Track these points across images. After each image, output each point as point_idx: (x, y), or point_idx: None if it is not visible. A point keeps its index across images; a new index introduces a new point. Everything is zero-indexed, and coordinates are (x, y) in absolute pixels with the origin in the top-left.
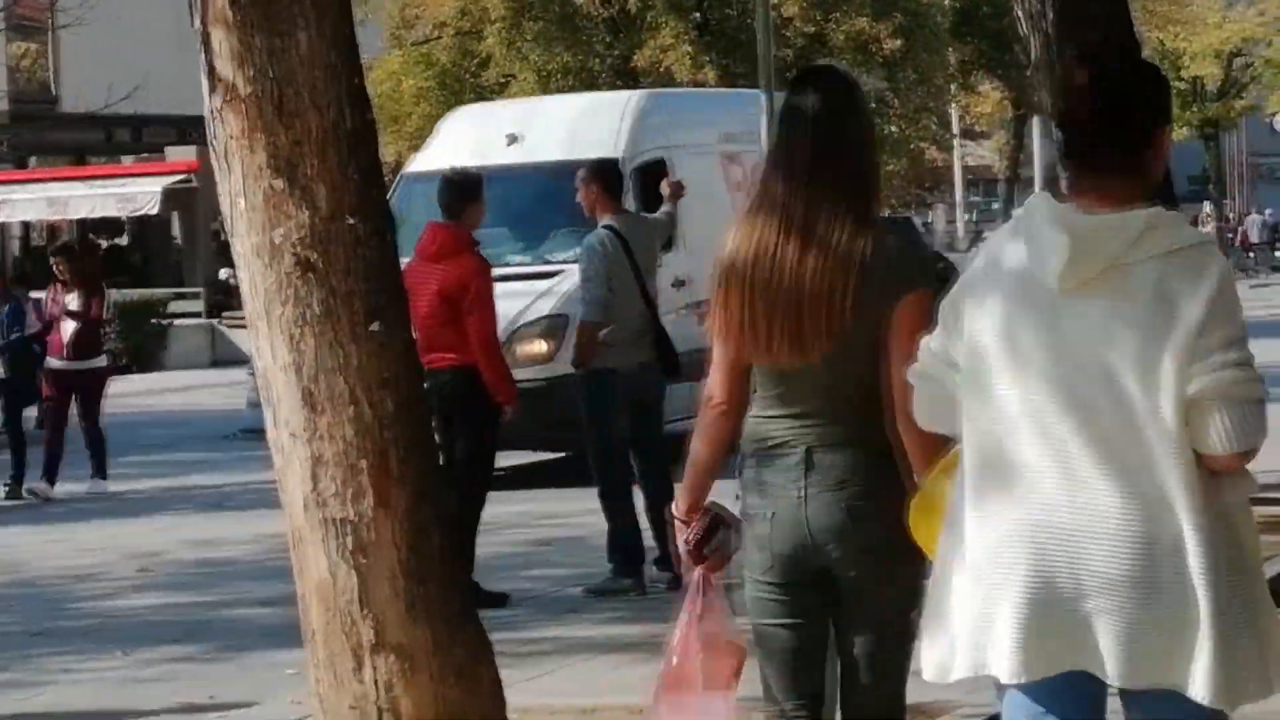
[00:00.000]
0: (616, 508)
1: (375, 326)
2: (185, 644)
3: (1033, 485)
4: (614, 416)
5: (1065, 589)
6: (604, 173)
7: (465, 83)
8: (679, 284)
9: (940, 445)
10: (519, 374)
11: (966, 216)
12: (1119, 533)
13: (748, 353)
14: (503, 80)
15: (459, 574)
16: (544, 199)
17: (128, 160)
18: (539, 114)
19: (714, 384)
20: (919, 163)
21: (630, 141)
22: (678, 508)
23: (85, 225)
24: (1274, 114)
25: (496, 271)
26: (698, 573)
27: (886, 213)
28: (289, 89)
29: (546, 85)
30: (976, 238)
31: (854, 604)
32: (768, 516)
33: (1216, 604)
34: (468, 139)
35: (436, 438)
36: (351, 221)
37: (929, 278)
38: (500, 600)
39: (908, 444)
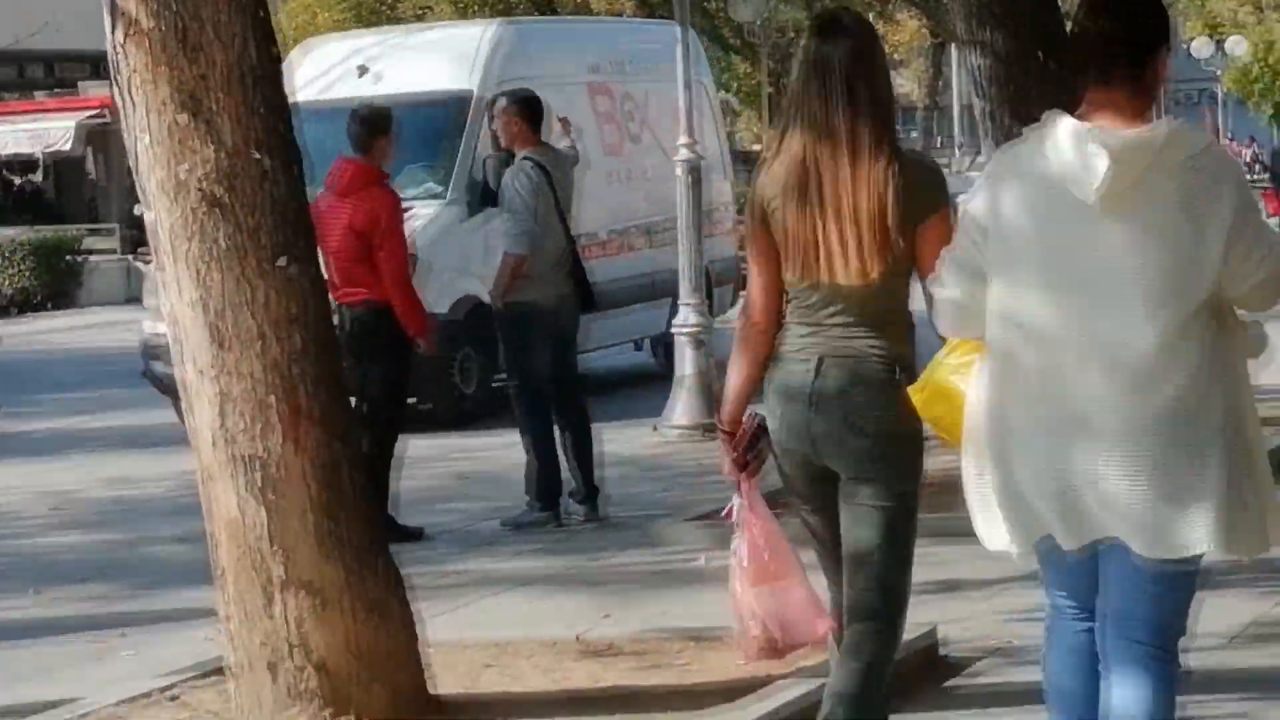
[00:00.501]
0: (536, 442)
1: (283, 262)
2: (98, 582)
3: (1061, 379)
4: (535, 350)
5: (1086, 471)
6: (527, 104)
7: (382, 15)
8: None
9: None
10: None
11: None
12: (1136, 417)
13: (796, 271)
14: (419, 13)
15: (370, 510)
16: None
17: (41, 96)
18: (393, 46)
19: (754, 304)
20: None
21: (486, 74)
22: (721, 419)
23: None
24: (1191, 39)
25: None
26: (744, 476)
27: None
28: (193, 23)
29: (463, 17)
30: None
31: (851, 502)
32: (778, 415)
33: (1222, 470)
34: (320, 71)
35: (348, 373)
36: (258, 157)
37: (947, 196)
38: (415, 535)
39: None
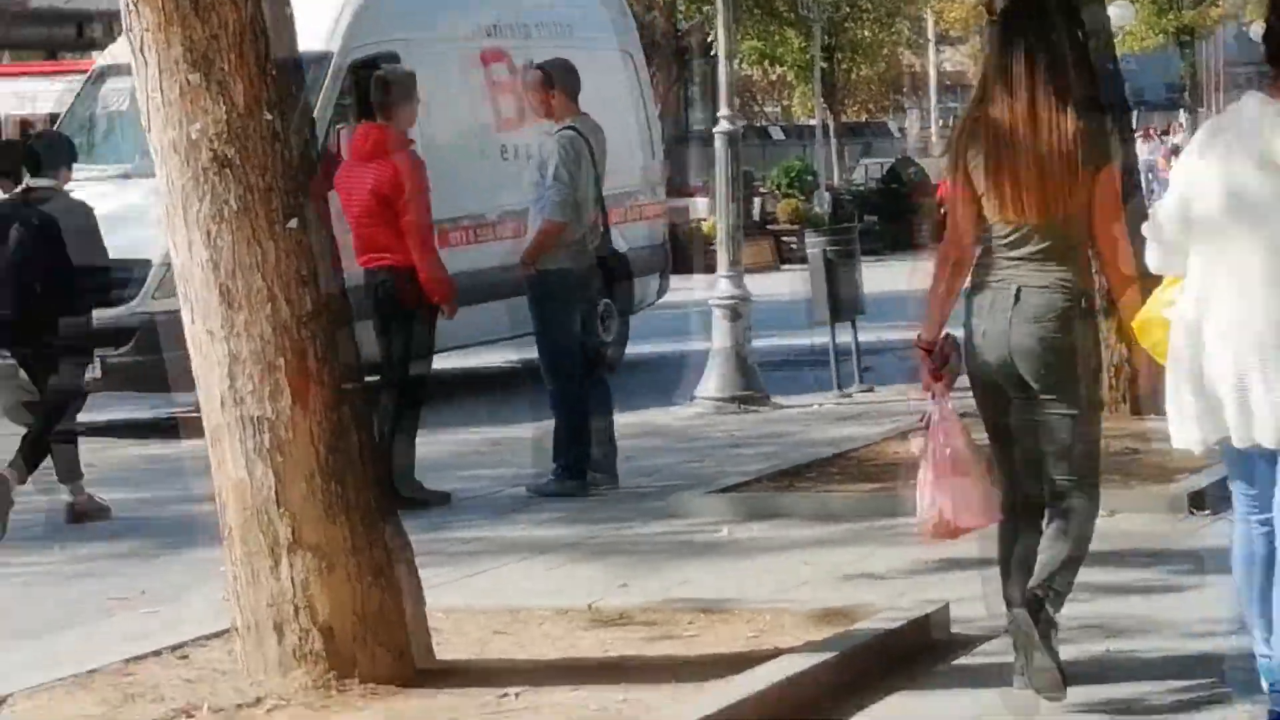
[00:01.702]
0: (567, 409)
1: (293, 223)
2: (121, 540)
3: (1247, 302)
4: (569, 317)
5: (1256, 380)
6: (565, 74)
7: None
8: None
9: (1131, 283)
10: None
11: (940, 122)
12: None
13: (995, 213)
14: None
15: (377, 473)
16: None
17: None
18: None
19: (955, 242)
20: (894, 67)
21: (349, 33)
22: (921, 338)
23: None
24: (1250, 22)
25: None
26: (939, 388)
27: (863, 119)
28: None
29: None
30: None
31: (1044, 411)
32: (981, 332)
33: None
34: None
35: (375, 338)
36: (269, 117)
37: (1116, 151)
38: (443, 499)
39: (1113, 281)
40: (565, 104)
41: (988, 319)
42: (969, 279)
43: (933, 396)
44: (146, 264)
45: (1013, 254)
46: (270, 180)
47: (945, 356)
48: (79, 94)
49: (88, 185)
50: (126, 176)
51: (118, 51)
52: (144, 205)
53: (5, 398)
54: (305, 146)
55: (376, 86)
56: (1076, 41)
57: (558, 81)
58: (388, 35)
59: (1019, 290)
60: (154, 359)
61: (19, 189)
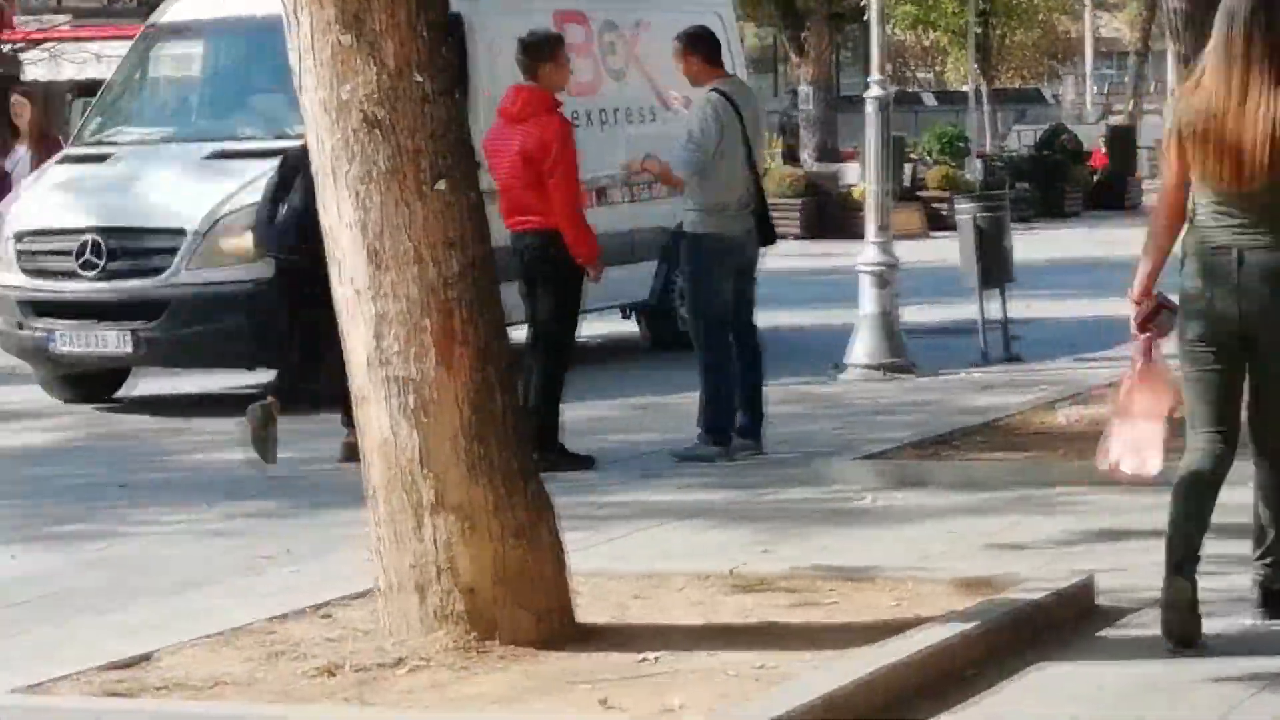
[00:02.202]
0: (712, 374)
1: (441, 185)
2: (270, 498)
3: None
4: (719, 282)
5: None
6: (702, 40)
7: None
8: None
9: None
10: (219, 274)
11: (1095, 89)
12: None
13: (1214, 180)
14: None
15: (521, 434)
16: (258, 59)
17: None
18: None
19: (1171, 205)
20: (1050, 33)
21: None
22: (1133, 292)
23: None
24: None
25: (209, 148)
26: (1144, 339)
27: (1016, 84)
28: None
29: None
30: (1106, 111)
31: (1269, 357)
32: (1207, 297)
33: None
34: None
35: (521, 300)
36: (419, 79)
37: None
38: (587, 463)
39: None
40: (704, 68)
41: (1213, 285)
42: (1185, 243)
43: (1143, 346)
44: (181, 234)
45: (1228, 221)
46: (419, 142)
47: (1155, 312)
48: (126, 57)
49: (131, 149)
50: (169, 141)
51: (169, 12)
52: (180, 174)
53: (43, 372)
54: (454, 108)
55: (520, 48)
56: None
57: (691, 47)
58: None
59: (1241, 253)
60: (189, 332)
61: None
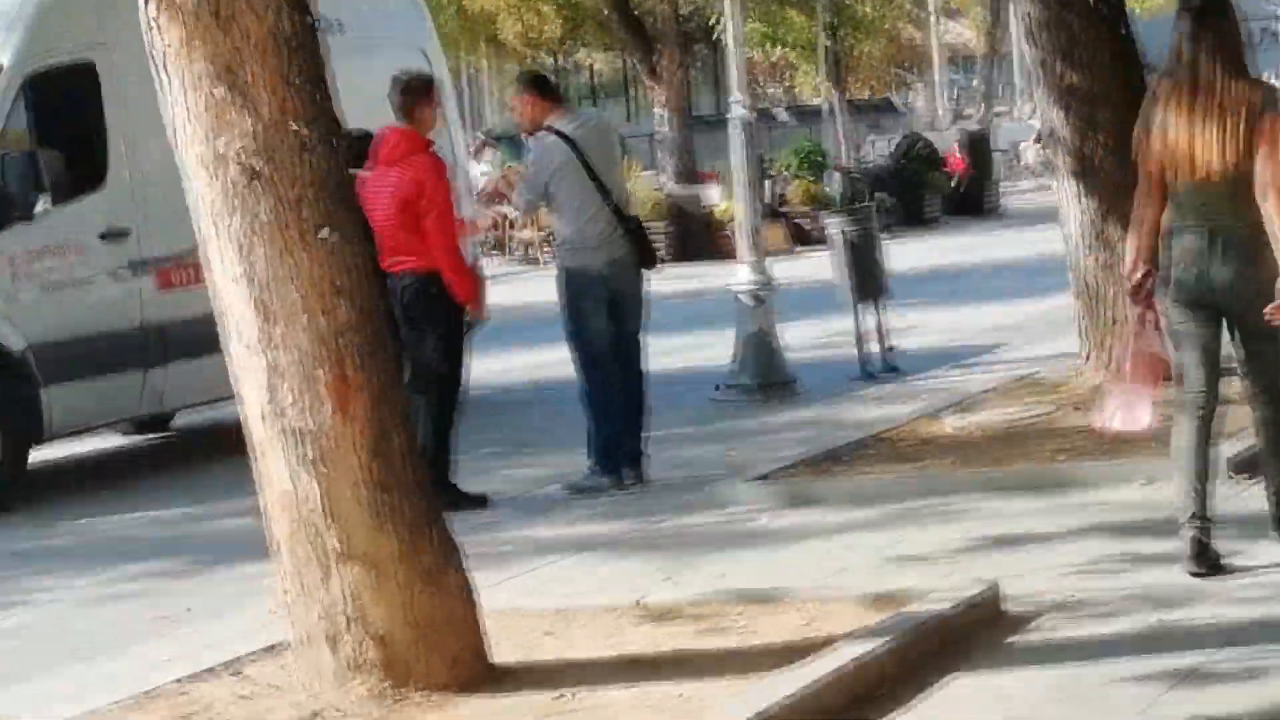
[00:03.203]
0: (596, 406)
1: (325, 234)
2: (164, 558)
3: None
4: (592, 314)
5: None
6: (534, 82)
7: None
8: (113, 235)
9: None
10: None
11: (946, 95)
12: None
13: (1183, 172)
14: None
15: (422, 479)
16: None
17: None
18: None
19: (1149, 194)
20: (897, 43)
21: (28, 39)
22: (1125, 265)
23: None
24: None
25: None
26: (1140, 308)
27: (866, 96)
28: None
29: None
30: (958, 117)
31: (1239, 322)
32: (1183, 270)
33: None
34: None
35: (401, 341)
36: (296, 127)
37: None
38: (480, 502)
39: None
40: (542, 106)
41: (1189, 262)
42: (1166, 220)
43: (1140, 317)
44: None
45: (1199, 204)
46: (300, 191)
47: (1143, 283)
48: None
49: None
50: None
51: None
52: None
53: None
54: (334, 156)
55: (394, 88)
56: (1235, 26)
57: (527, 88)
58: (80, 42)
59: (1212, 233)
60: None
61: None
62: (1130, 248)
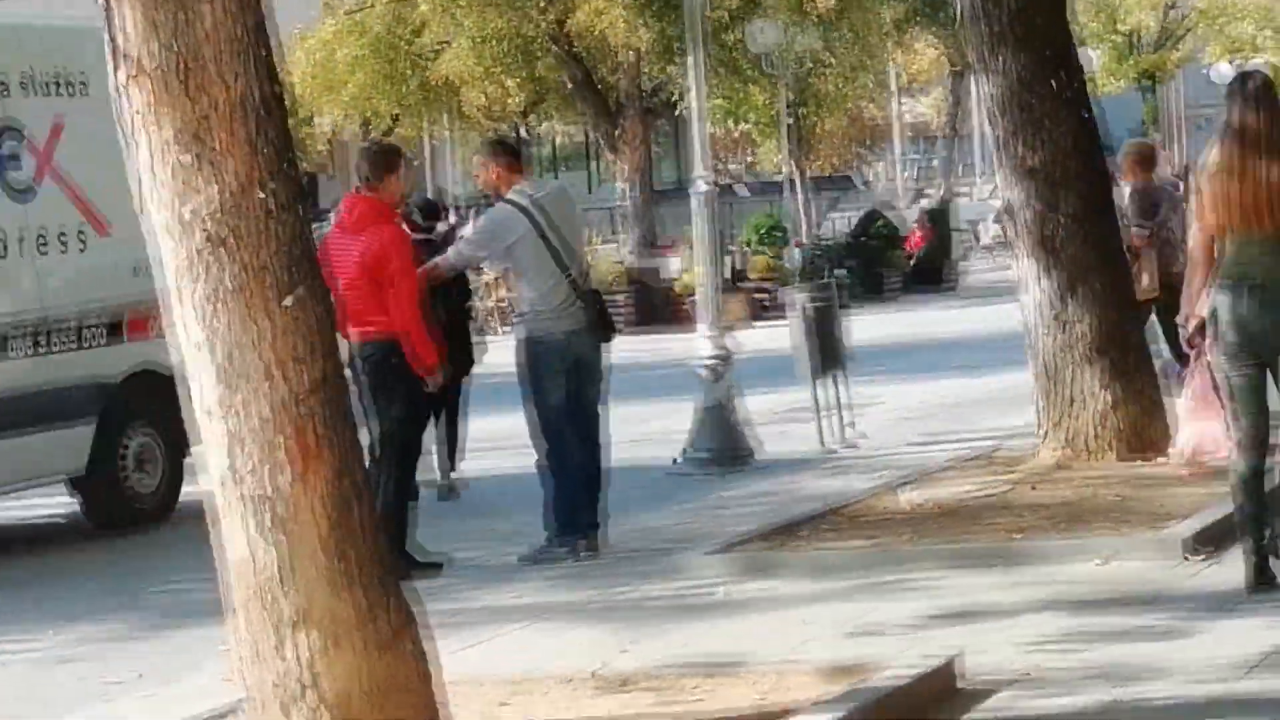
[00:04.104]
0: (554, 475)
1: (289, 301)
2: (107, 622)
3: None
4: (549, 383)
5: None
6: (503, 149)
7: (400, 50)
8: None
9: None
10: None
11: (906, 173)
12: None
13: (1234, 224)
14: (437, 48)
15: (381, 545)
16: None
17: None
18: None
19: (1203, 246)
20: (858, 120)
21: None
22: (1183, 315)
23: None
24: (1210, 65)
25: None
26: (1196, 353)
27: (827, 172)
28: (195, 62)
29: (481, 52)
30: (918, 195)
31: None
32: (1230, 317)
33: None
34: None
35: (363, 409)
36: (262, 195)
37: None
38: (435, 569)
39: None
40: (505, 175)
41: (1237, 304)
42: (1216, 275)
43: (1196, 356)
44: None
45: (1248, 257)
46: (265, 258)
47: (1201, 329)
48: None
49: None
50: None
51: None
52: None
53: None
54: (299, 222)
55: (363, 157)
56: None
57: (493, 155)
58: None
59: (1257, 284)
60: None
61: None
62: (1185, 296)
